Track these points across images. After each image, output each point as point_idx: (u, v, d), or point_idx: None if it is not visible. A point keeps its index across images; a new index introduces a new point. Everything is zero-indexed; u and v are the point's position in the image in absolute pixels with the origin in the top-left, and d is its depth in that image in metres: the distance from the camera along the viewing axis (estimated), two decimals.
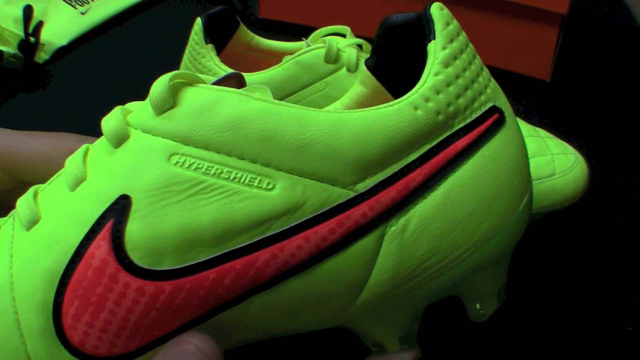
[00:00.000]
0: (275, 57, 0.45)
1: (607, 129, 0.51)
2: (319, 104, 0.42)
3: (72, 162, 0.22)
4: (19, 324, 0.21)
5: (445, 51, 0.23)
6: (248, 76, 0.43)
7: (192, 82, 0.22)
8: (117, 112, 0.22)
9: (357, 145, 0.21)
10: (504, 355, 0.37)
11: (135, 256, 0.20)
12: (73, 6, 0.63)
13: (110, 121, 0.22)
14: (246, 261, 0.21)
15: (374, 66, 0.26)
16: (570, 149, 0.42)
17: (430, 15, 0.24)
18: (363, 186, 0.22)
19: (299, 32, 0.48)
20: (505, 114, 0.25)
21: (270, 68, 0.42)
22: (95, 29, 0.62)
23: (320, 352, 0.35)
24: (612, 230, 0.43)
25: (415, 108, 0.22)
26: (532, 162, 0.41)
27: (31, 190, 0.23)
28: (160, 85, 0.21)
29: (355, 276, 0.22)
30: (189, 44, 0.44)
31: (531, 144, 0.42)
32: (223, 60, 0.44)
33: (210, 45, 0.43)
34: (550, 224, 0.43)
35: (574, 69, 0.57)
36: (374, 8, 0.56)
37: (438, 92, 0.23)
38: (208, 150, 0.21)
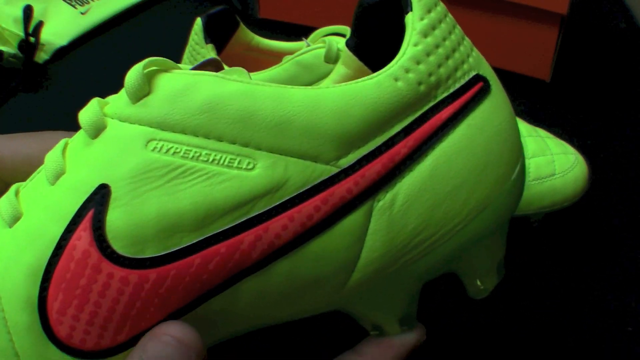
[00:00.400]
0: (275, 57, 0.45)
1: (607, 129, 0.51)
2: None
3: (51, 157, 0.22)
4: (5, 322, 0.21)
5: (423, 21, 0.23)
6: None
7: (167, 68, 0.22)
8: (93, 103, 0.22)
9: (338, 120, 0.21)
10: (504, 355, 0.37)
11: (118, 245, 0.20)
12: (73, 6, 0.63)
13: (87, 113, 0.22)
14: (230, 244, 0.20)
15: (355, 46, 0.26)
16: (570, 149, 0.42)
17: None
18: (346, 161, 0.21)
19: (299, 32, 0.48)
20: (491, 83, 0.24)
21: (270, 68, 0.42)
22: (95, 29, 0.62)
23: (316, 337, 0.35)
24: (612, 230, 0.43)
25: (396, 79, 0.22)
26: (532, 162, 0.41)
27: (12, 187, 0.23)
28: (134, 73, 0.21)
29: (345, 255, 0.22)
30: (189, 44, 0.44)
31: (531, 144, 0.42)
32: (223, 60, 0.44)
33: (210, 45, 0.43)
34: (550, 224, 0.43)
35: (574, 69, 0.57)
36: None
37: (418, 63, 0.22)
38: (185, 134, 0.20)
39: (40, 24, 0.56)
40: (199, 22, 0.43)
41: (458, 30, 0.24)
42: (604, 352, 0.37)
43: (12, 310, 0.21)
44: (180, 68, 0.22)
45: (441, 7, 0.24)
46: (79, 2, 0.63)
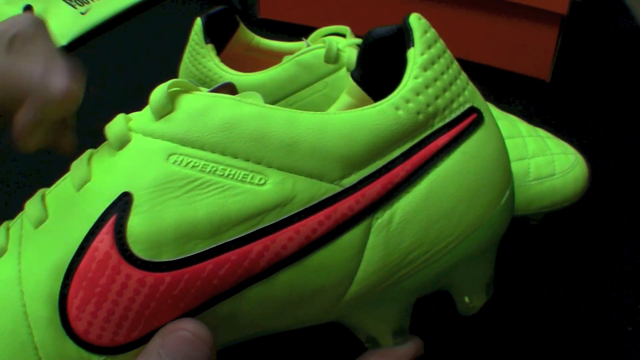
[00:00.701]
0: (275, 57, 0.46)
1: (607, 129, 0.51)
2: (319, 104, 0.42)
3: (78, 165, 0.24)
4: (26, 316, 0.22)
5: (423, 56, 0.25)
6: (248, 76, 0.43)
7: (188, 89, 0.24)
8: (120, 118, 0.24)
9: (343, 143, 0.23)
10: (505, 355, 0.37)
11: (137, 249, 0.22)
12: (73, 6, 0.63)
13: (113, 127, 0.24)
14: (240, 252, 0.22)
15: (359, 77, 0.28)
16: (570, 149, 0.42)
17: (409, 24, 0.26)
18: (349, 181, 0.23)
19: (299, 32, 0.48)
20: (484, 115, 0.26)
21: (270, 68, 0.42)
22: (95, 29, 0.62)
23: (317, 349, 0.35)
24: (612, 230, 0.43)
25: (397, 108, 0.24)
26: (532, 162, 0.41)
27: (39, 192, 0.25)
28: (159, 92, 0.23)
29: (345, 268, 0.23)
30: (189, 44, 0.44)
31: (531, 144, 0.42)
32: (223, 60, 0.44)
33: (210, 45, 0.43)
34: (550, 224, 0.43)
35: (574, 69, 0.57)
36: (374, 8, 0.56)
37: (418, 94, 0.24)
38: (204, 150, 0.22)
39: None
40: (199, 22, 0.43)
41: (455, 65, 0.26)
42: (604, 352, 0.37)
43: (34, 305, 0.22)
44: (200, 89, 0.24)
45: (440, 44, 0.26)
46: (79, 2, 0.64)
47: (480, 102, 0.27)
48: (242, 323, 0.24)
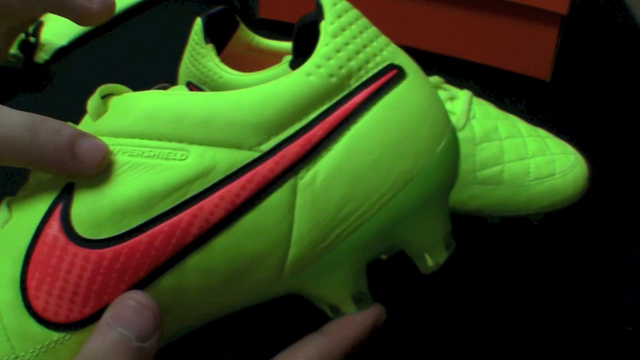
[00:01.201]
0: (275, 57, 0.45)
1: (607, 129, 0.51)
2: None
3: (36, 172, 0.27)
4: None
5: (333, 25, 0.27)
6: (248, 76, 0.43)
7: (119, 92, 0.27)
8: (67, 124, 0.27)
9: (257, 112, 0.25)
10: (504, 355, 0.37)
11: (81, 230, 0.24)
12: None
13: None
14: (171, 223, 0.24)
15: (297, 66, 0.28)
16: (570, 149, 0.42)
17: (320, 1, 0.27)
18: (267, 146, 0.25)
19: None
20: (407, 70, 0.27)
21: (270, 68, 0.42)
22: (95, 29, 0.62)
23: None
24: (612, 230, 0.43)
25: (309, 74, 0.26)
26: (532, 162, 0.41)
27: (5, 200, 0.27)
28: (94, 99, 0.27)
29: (277, 230, 0.25)
30: (189, 44, 0.44)
31: (531, 144, 0.42)
32: (223, 60, 0.44)
33: (210, 45, 0.43)
34: (550, 224, 0.43)
35: (574, 69, 0.57)
36: (374, 8, 0.56)
37: (328, 59, 0.26)
38: (132, 138, 0.25)
39: (40, 24, 0.56)
40: (199, 22, 0.43)
41: (372, 30, 0.28)
42: (604, 352, 0.37)
43: (1, 292, 0.25)
44: (130, 91, 0.27)
45: (352, 12, 0.28)
46: None
47: (403, 59, 0.28)
48: (190, 298, 0.25)
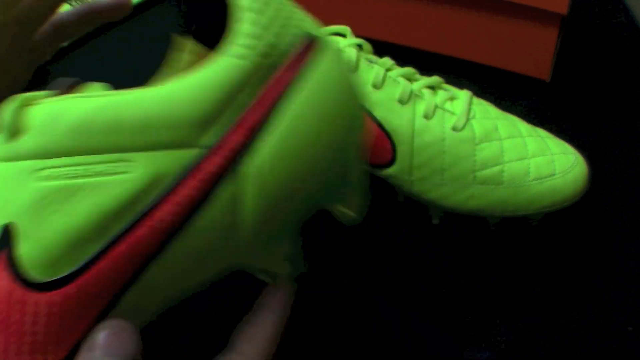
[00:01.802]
0: None
1: (607, 129, 0.51)
2: None
3: None
4: None
5: (256, 2, 0.25)
6: None
7: (35, 101, 0.24)
8: None
9: (192, 107, 0.23)
10: (504, 355, 0.37)
11: (36, 273, 0.22)
12: (73, 6, 0.63)
13: None
14: (130, 242, 0.22)
15: (195, 32, 0.28)
16: (570, 149, 0.42)
17: None
18: (209, 140, 0.23)
19: None
20: (325, 42, 0.27)
21: None
22: (95, 29, 0.62)
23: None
24: (612, 230, 0.43)
25: (238, 57, 0.24)
26: (532, 162, 0.41)
27: None
28: (7, 113, 0.23)
29: (231, 219, 0.24)
30: None
31: (531, 144, 0.42)
32: None
33: None
34: (550, 224, 0.43)
35: (574, 69, 0.57)
36: (374, 8, 0.56)
37: (258, 38, 0.25)
38: (64, 156, 0.22)
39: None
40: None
41: (289, 3, 0.26)
42: (604, 352, 0.37)
43: None
44: (48, 96, 0.24)
45: None
46: (79, 2, 0.63)
47: (319, 31, 0.27)
48: (155, 301, 0.24)
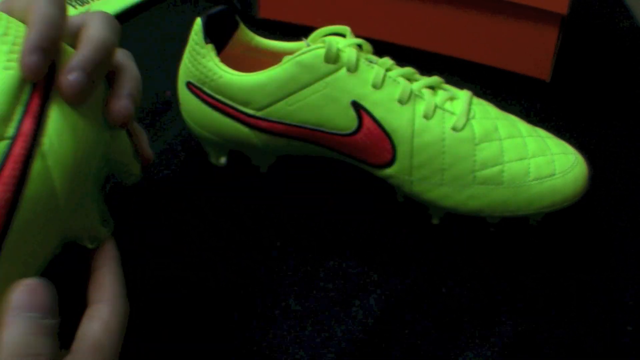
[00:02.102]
0: (275, 57, 0.45)
1: (607, 129, 0.51)
2: (319, 104, 0.42)
3: None
4: None
5: None
6: (248, 76, 0.43)
7: None
8: None
9: None
10: (505, 354, 0.37)
11: None
12: (73, 6, 0.63)
13: None
14: None
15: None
16: (570, 149, 0.42)
17: None
18: (10, 132, 0.28)
19: (299, 32, 0.48)
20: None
21: (270, 68, 0.42)
22: None
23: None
24: (612, 230, 0.43)
25: (5, 69, 0.29)
26: (532, 162, 0.41)
27: None
28: None
29: (49, 189, 0.28)
30: (189, 44, 0.44)
31: (531, 144, 0.42)
32: (223, 60, 0.44)
33: (210, 45, 0.43)
34: (550, 224, 0.43)
35: (574, 69, 0.57)
36: (374, 8, 0.56)
37: (10, 53, 0.29)
38: None
39: None
40: (198, 22, 0.43)
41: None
42: (604, 352, 0.37)
43: None
44: None
45: None
46: (79, 2, 0.64)
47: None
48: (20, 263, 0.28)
